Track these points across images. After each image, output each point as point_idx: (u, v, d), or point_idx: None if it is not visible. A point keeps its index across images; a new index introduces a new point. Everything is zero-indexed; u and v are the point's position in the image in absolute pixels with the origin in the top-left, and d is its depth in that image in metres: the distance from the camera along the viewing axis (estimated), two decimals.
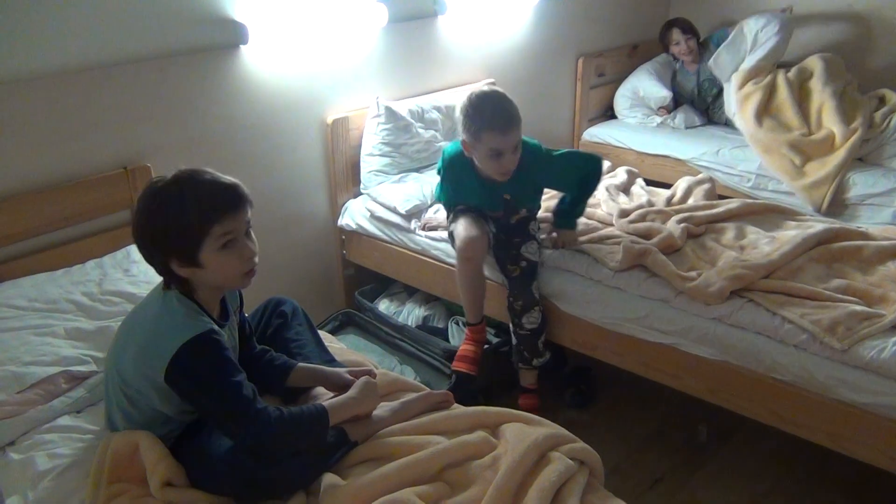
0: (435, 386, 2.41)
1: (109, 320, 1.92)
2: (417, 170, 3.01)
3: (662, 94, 3.91)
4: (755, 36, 3.63)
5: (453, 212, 2.48)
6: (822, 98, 3.45)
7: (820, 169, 3.24)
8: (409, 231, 2.78)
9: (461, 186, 2.44)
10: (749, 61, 3.63)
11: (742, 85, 3.62)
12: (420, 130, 3.00)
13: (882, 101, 3.51)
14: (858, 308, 2.03)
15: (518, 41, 3.57)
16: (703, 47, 3.95)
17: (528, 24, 3.58)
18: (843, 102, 3.42)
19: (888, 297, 2.08)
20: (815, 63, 3.58)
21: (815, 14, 3.94)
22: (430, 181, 2.90)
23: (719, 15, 4.21)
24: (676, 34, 3.92)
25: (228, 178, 1.54)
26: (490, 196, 2.42)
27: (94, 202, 2.24)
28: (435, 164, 3.05)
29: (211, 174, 1.52)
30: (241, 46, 2.50)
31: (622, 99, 4.04)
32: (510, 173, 2.29)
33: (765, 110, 3.53)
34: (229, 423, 1.49)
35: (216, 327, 1.53)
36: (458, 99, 3.14)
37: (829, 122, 3.37)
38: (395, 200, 2.77)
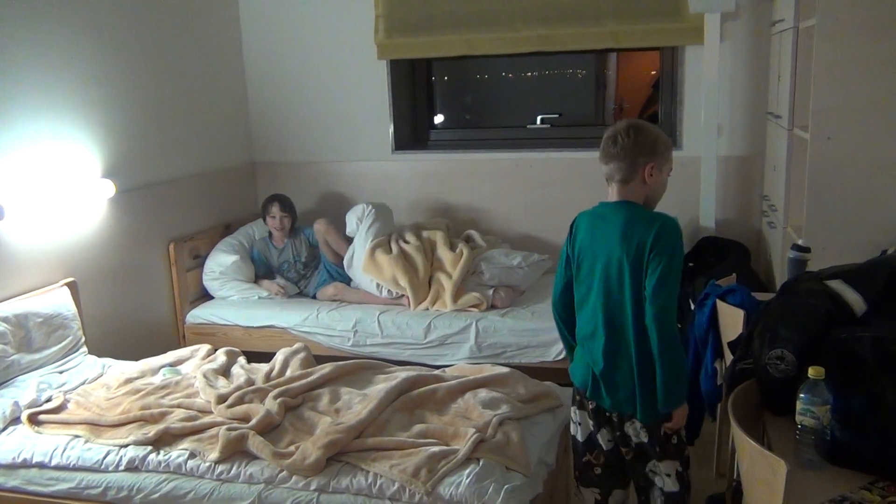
0: None
1: None
2: None
3: (231, 259, 4.01)
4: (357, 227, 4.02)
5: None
6: None
7: None
8: None
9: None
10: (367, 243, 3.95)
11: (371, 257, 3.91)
12: None
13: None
14: (436, 449, 2.24)
15: (99, 236, 3.44)
16: (295, 229, 4.23)
17: (108, 217, 3.49)
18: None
19: (460, 433, 2.34)
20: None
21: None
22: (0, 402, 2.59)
23: (305, 195, 4.59)
24: (276, 209, 4.15)
25: None
26: None
27: None
28: (6, 384, 2.74)
29: None
30: None
31: (211, 279, 4.07)
32: None
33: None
34: None
35: None
36: (29, 306, 2.90)
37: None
38: None
